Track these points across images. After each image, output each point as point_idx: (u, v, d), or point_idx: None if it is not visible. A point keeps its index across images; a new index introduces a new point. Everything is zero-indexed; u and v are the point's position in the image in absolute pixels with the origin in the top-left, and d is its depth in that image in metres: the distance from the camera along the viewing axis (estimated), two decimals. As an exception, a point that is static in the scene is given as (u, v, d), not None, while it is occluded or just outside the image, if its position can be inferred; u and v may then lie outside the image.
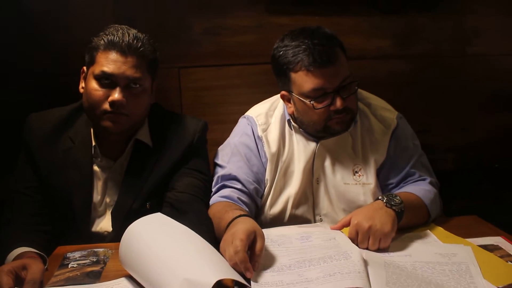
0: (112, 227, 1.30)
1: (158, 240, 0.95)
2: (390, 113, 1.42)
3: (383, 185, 1.39)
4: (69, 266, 1.10)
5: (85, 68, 1.30)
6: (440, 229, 1.24)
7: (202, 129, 1.38)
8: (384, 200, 1.18)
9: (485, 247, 1.12)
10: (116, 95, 1.20)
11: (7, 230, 1.21)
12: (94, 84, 1.22)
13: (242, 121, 1.46)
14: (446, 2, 2.04)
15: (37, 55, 1.86)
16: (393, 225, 1.12)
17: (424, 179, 1.37)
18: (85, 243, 1.25)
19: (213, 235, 1.11)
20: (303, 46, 1.25)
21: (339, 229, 1.18)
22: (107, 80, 1.21)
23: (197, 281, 0.80)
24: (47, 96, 1.79)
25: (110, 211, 1.33)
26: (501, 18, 2.11)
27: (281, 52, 1.31)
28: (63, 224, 1.31)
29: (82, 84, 1.31)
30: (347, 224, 1.17)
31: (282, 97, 1.39)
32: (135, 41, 1.22)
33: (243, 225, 0.99)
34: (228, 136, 1.50)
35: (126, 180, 1.31)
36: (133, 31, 1.25)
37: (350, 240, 1.10)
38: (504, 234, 1.20)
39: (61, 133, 1.33)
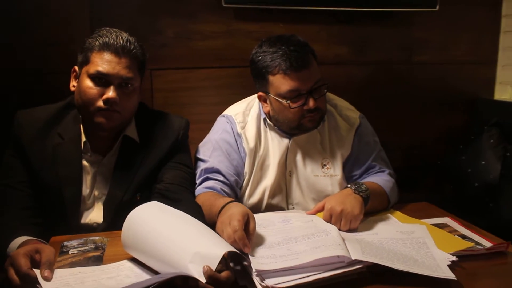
0: (104, 218, 1.37)
1: (162, 222, 1.06)
2: (353, 113, 1.60)
3: (348, 176, 1.57)
4: (70, 252, 1.17)
5: (76, 67, 1.37)
6: (398, 212, 1.44)
7: (186, 126, 1.49)
8: (353, 188, 1.35)
9: (436, 225, 1.33)
10: (110, 93, 1.29)
11: (3, 221, 1.25)
12: (88, 83, 1.30)
13: (221, 120, 1.59)
14: (396, 15, 2.28)
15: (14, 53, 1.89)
16: (361, 209, 1.29)
17: (383, 171, 1.57)
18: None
19: (204, 220, 1.23)
20: (280, 52, 1.41)
21: (314, 214, 1.34)
22: (101, 79, 1.29)
23: (208, 253, 0.92)
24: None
25: (99, 203, 1.41)
26: (443, 31, 2.39)
27: (260, 57, 1.45)
28: (53, 217, 1.36)
29: (73, 83, 1.38)
30: (321, 209, 1.33)
31: (259, 97, 1.53)
32: (128, 44, 1.32)
33: (238, 208, 1.12)
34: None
35: (116, 174, 1.39)
36: (125, 34, 1.34)
37: (325, 221, 1.26)
38: (450, 215, 1.41)
39: (50, 129, 1.38)
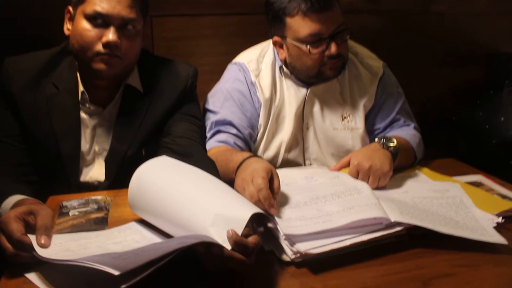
0: (106, 176, 1.25)
1: (174, 179, 0.93)
2: (376, 62, 1.46)
3: (370, 130, 1.45)
4: (70, 214, 1.05)
5: (70, 7, 1.20)
6: (426, 169, 1.33)
7: (194, 75, 1.34)
8: (381, 142, 1.23)
9: (470, 183, 1.22)
10: (110, 35, 1.13)
11: None
12: (85, 24, 1.14)
13: (232, 67, 1.44)
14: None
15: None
16: (391, 165, 1.18)
17: (408, 125, 1.44)
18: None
19: (219, 177, 1.11)
20: None
21: (338, 170, 1.22)
22: (99, 20, 1.13)
23: (232, 215, 0.80)
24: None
25: (99, 159, 1.28)
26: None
27: None
28: (49, 174, 1.24)
29: (67, 25, 1.21)
30: (346, 165, 1.21)
31: (275, 43, 1.38)
32: None
33: (261, 164, 1.00)
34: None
35: (118, 127, 1.25)
36: None
37: (353, 178, 1.14)
38: (482, 173, 1.31)
39: (43, 78, 1.23)
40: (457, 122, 2.26)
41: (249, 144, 1.38)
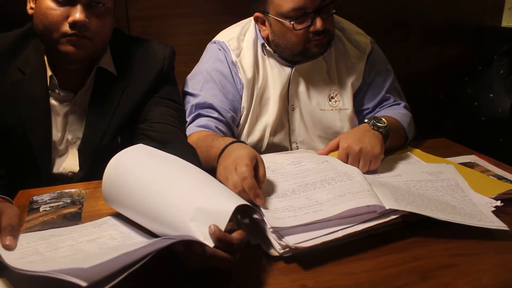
0: (80, 166, 1.17)
1: (151, 169, 0.85)
2: (363, 38, 1.39)
3: (358, 111, 1.38)
4: (41, 209, 0.97)
5: None
6: (418, 150, 1.27)
7: (171, 55, 1.25)
8: (371, 123, 1.16)
9: (464, 164, 1.17)
10: (77, 14, 1.03)
11: None
12: (48, 2, 1.04)
13: (212, 47, 1.35)
14: None
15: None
16: (382, 147, 1.12)
17: (398, 104, 1.38)
18: (42, 186, 1.11)
19: (200, 165, 1.04)
20: None
21: (326, 154, 1.16)
22: None
23: (213, 209, 0.73)
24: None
25: (73, 149, 1.20)
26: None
27: None
28: (19, 167, 1.16)
29: (30, 4, 1.11)
30: (335, 148, 1.15)
31: (256, 19, 1.29)
32: None
33: (244, 151, 0.92)
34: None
35: (92, 113, 1.16)
36: None
37: (342, 162, 1.08)
38: (476, 153, 1.26)
39: (7, 63, 1.14)
40: (445, 100, 2.21)
41: (232, 128, 1.30)
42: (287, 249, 0.77)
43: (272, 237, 0.79)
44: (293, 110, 1.34)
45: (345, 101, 1.34)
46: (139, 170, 0.86)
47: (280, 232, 0.79)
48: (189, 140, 1.17)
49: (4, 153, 1.14)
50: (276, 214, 0.83)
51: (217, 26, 1.68)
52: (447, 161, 1.18)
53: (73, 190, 1.07)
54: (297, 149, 1.36)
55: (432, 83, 2.30)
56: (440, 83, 2.28)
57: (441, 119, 2.28)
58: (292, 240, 0.77)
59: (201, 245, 0.67)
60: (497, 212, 0.91)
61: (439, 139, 1.41)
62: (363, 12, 2.07)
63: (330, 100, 1.35)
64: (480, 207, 0.92)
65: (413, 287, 0.71)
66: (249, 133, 1.32)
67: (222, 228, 0.70)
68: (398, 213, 0.85)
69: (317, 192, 0.91)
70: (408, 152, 1.25)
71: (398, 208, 0.85)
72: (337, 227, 0.81)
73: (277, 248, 0.78)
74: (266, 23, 1.27)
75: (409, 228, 0.86)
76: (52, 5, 1.04)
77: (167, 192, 0.79)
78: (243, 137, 1.32)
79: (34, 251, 0.76)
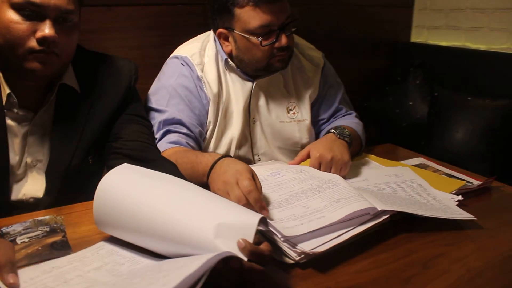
0: (47, 191, 1.08)
1: (151, 189, 0.82)
2: (316, 52, 1.48)
3: (315, 121, 1.47)
4: (18, 241, 0.88)
5: None
6: (373, 156, 1.39)
7: (136, 71, 1.22)
8: (336, 133, 1.25)
9: (417, 166, 1.30)
10: (47, 30, 0.96)
11: None
12: (13, 16, 0.96)
13: (174, 62, 1.34)
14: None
15: None
16: (349, 154, 1.21)
17: (350, 113, 1.49)
18: (4, 216, 1.01)
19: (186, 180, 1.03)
20: None
21: (297, 164, 1.21)
22: (31, 11, 0.96)
23: (236, 223, 0.73)
24: None
25: (33, 173, 1.11)
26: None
27: None
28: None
29: None
30: (305, 158, 1.21)
31: (219, 35, 1.31)
32: None
33: (241, 165, 0.94)
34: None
35: (57, 134, 1.09)
36: None
37: (318, 170, 1.14)
38: (422, 155, 1.41)
39: None
40: (369, 108, 2.40)
41: (200, 142, 1.30)
42: (303, 255, 0.80)
43: (285, 246, 0.82)
44: (254, 123, 1.38)
45: (303, 112, 1.42)
46: (136, 190, 0.83)
47: (292, 241, 0.82)
48: (165, 157, 1.14)
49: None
50: (283, 224, 0.86)
51: (153, 41, 1.67)
52: (402, 164, 1.30)
53: (46, 217, 0.98)
54: (259, 160, 1.40)
55: (357, 93, 2.48)
56: (365, 93, 2.48)
57: (367, 125, 2.47)
58: (307, 247, 0.81)
59: (239, 260, 0.68)
60: (460, 205, 1.04)
61: (385, 145, 1.55)
62: (300, 27, 2.18)
63: (288, 112, 1.41)
64: (446, 202, 1.05)
65: (420, 277, 0.79)
66: (216, 147, 1.33)
67: (250, 241, 0.71)
68: (388, 213, 0.93)
69: (310, 200, 0.96)
70: (366, 158, 1.36)
71: (388, 208, 0.93)
72: (341, 230, 0.86)
73: (292, 255, 0.81)
74: (230, 39, 1.29)
75: (394, 226, 0.95)
76: (17, 18, 0.96)
77: (179, 211, 0.77)
78: (210, 151, 1.33)
79: (44, 287, 0.70)
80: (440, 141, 2.02)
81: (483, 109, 1.94)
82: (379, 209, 0.92)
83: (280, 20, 1.24)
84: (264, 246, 0.72)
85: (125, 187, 0.84)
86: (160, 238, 0.77)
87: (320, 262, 0.81)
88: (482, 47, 2.26)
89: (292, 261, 0.81)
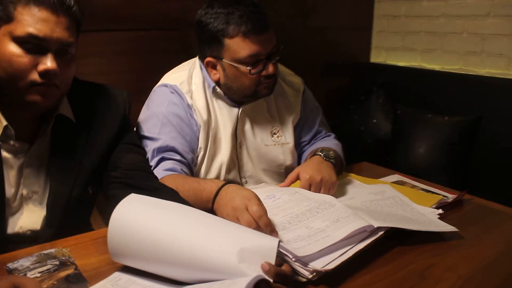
0: (48, 223, 1.08)
1: (170, 218, 0.86)
2: (296, 78, 1.57)
3: (297, 143, 1.54)
4: (29, 276, 0.89)
5: None
6: (353, 175, 1.48)
7: (129, 100, 1.25)
8: (322, 155, 1.33)
9: (396, 183, 1.40)
10: (49, 63, 0.98)
11: None
12: (14, 49, 0.97)
13: (163, 90, 1.37)
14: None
15: None
16: (336, 175, 1.29)
17: (329, 135, 1.59)
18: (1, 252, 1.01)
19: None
20: (238, 13, 1.27)
21: (288, 186, 1.28)
22: (33, 45, 0.98)
23: (257, 248, 0.79)
24: None
25: (28, 205, 1.10)
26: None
27: (212, 19, 1.29)
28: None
29: None
30: (295, 180, 1.28)
31: (207, 63, 1.37)
32: None
33: (248, 191, 1.00)
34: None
35: (55, 165, 1.09)
36: None
37: (310, 191, 1.21)
38: (398, 172, 1.52)
39: None
40: (335, 126, 2.51)
41: (192, 168, 1.34)
42: (315, 273, 0.86)
43: (297, 266, 0.88)
44: (240, 148, 1.44)
45: (287, 136, 1.49)
46: (151, 220, 0.86)
47: (303, 260, 0.88)
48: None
49: None
50: (292, 245, 0.92)
51: (126, 67, 1.69)
52: (382, 181, 1.40)
53: (53, 250, 0.99)
54: (246, 183, 1.46)
55: (323, 112, 2.62)
56: (330, 112, 2.60)
57: (334, 143, 2.59)
58: (317, 265, 0.87)
59: (268, 282, 0.73)
60: (440, 218, 1.14)
61: (361, 163, 1.65)
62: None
63: (272, 136, 1.48)
64: (428, 216, 1.15)
65: (419, 287, 0.88)
66: (207, 172, 1.37)
67: (273, 263, 0.77)
68: (383, 229, 1.01)
69: (311, 221, 1.03)
70: (348, 177, 1.45)
71: (383, 225, 1.01)
72: (345, 247, 0.94)
73: (305, 274, 0.87)
74: (218, 67, 1.35)
75: (387, 240, 1.03)
76: (19, 51, 0.97)
77: (197, 237, 0.82)
78: (201, 176, 1.37)
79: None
80: (405, 156, 2.17)
81: (443, 125, 2.11)
82: (375, 226, 1.00)
83: (267, 50, 1.31)
84: (285, 267, 0.78)
85: (139, 217, 0.87)
86: (182, 265, 0.81)
87: (329, 278, 0.88)
88: (436, 67, 2.45)
89: (304, 279, 0.87)
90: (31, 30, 0.96)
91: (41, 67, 0.98)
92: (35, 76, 0.98)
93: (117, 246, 0.87)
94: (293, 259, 0.88)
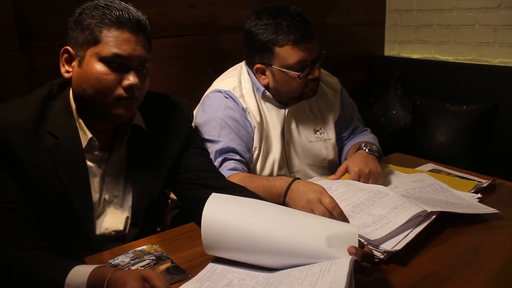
0: (133, 224, 1.20)
1: (256, 213, 0.98)
2: (333, 78, 1.69)
3: (337, 139, 1.67)
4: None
5: (70, 48, 1.11)
6: (392, 166, 1.61)
7: (191, 107, 1.37)
8: (367, 149, 1.46)
9: (432, 171, 1.53)
10: (131, 78, 1.10)
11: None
12: (102, 68, 1.08)
13: (217, 95, 1.49)
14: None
15: None
16: (380, 166, 1.42)
17: (366, 130, 1.72)
18: (90, 251, 1.13)
19: None
20: (286, 23, 1.39)
21: (339, 178, 1.41)
22: (117, 64, 1.09)
23: (341, 234, 0.91)
24: None
25: (110, 208, 1.22)
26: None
27: (262, 30, 1.41)
28: (63, 235, 1.14)
29: (66, 68, 1.13)
30: (344, 173, 1.41)
31: (256, 69, 1.49)
32: (141, 19, 1.13)
33: (317, 186, 1.13)
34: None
35: (134, 171, 1.21)
36: (131, 7, 1.14)
37: (361, 183, 1.34)
38: (430, 161, 1.64)
39: (38, 128, 1.12)
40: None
41: (249, 166, 1.47)
42: (386, 253, 1.00)
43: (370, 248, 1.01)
44: (288, 145, 1.57)
45: (329, 132, 1.62)
46: (240, 215, 0.99)
47: (374, 243, 1.01)
48: (231, 183, 1.30)
49: (49, 223, 1.12)
50: (361, 230, 1.05)
51: (168, 71, 1.75)
52: (419, 170, 1.53)
53: (145, 247, 1.11)
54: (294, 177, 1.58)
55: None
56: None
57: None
58: (387, 246, 1.00)
59: (357, 261, 0.87)
60: (480, 201, 1.28)
61: (393, 154, 1.78)
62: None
63: (315, 133, 1.61)
64: (469, 200, 1.28)
65: (475, 260, 1.02)
66: (261, 169, 1.50)
67: (356, 246, 0.90)
68: (435, 214, 1.14)
69: (371, 209, 1.16)
70: (388, 168, 1.58)
71: (435, 209, 1.14)
72: (407, 231, 1.07)
73: (377, 255, 1.00)
74: (267, 73, 1.47)
75: (436, 224, 1.15)
76: (106, 70, 1.08)
77: (287, 228, 0.94)
78: (257, 173, 1.50)
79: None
80: (428, 144, 2.30)
81: (461, 114, 2.24)
82: (429, 211, 1.13)
83: (312, 56, 1.43)
84: (367, 249, 0.91)
85: (229, 214, 1.00)
86: (275, 253, 0.94)
87: (397, 258, 1.01)
88: (450, 58, 2.57)
89: (377, 260, 1.00)
90: (116, 50, 1.08)
91: (126, 82, 1.10)
92: (120, 91, 1.10)
93: (212, 241, 0.99)
94: (365, 243, 1.01)
